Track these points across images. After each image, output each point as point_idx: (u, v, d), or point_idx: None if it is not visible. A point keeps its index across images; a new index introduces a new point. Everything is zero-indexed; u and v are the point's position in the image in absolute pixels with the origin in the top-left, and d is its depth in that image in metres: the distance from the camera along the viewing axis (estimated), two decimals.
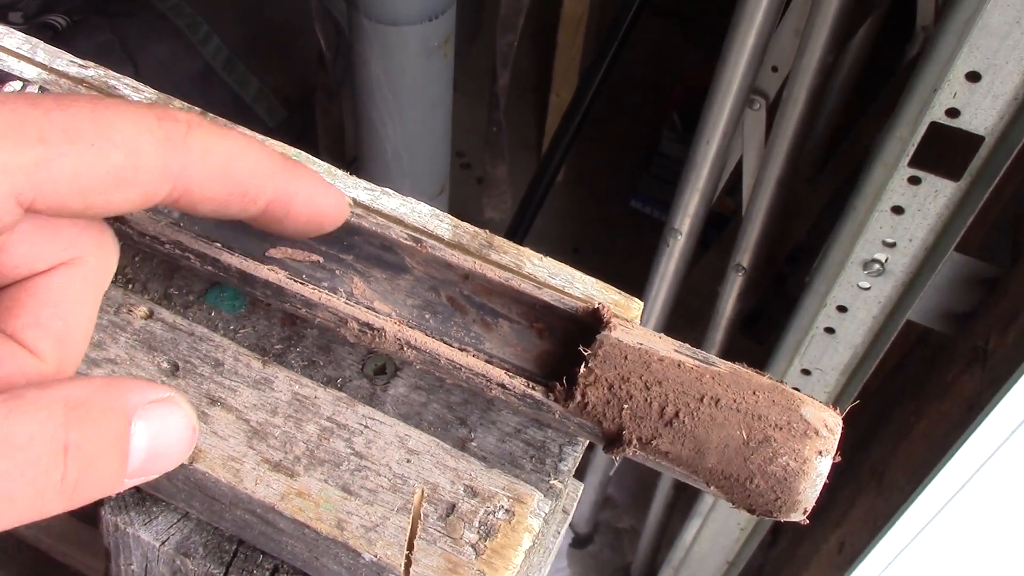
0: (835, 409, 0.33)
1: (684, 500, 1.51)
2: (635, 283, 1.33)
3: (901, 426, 1.04)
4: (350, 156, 1.53)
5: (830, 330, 0.92)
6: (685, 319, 1.44)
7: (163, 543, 0.39)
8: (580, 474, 1.72)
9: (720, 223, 1.77)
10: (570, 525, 1.81)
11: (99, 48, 1.54)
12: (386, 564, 0.33)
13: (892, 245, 0.82)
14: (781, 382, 0.34)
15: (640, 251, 1.44)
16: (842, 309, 0.90)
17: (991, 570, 0.92)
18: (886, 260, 0.83)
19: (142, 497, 0.39)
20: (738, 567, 1.28)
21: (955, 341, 0.96)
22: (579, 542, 1.82)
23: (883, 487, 1.01)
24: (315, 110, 1.50)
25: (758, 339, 1.44)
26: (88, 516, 0.40)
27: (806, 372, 0.98)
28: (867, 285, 0.86)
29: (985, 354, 0.85)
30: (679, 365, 0.33)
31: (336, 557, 0.35)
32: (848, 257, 0.85)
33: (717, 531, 1.24)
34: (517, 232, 1.51)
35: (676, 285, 1.27)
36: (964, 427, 0.81)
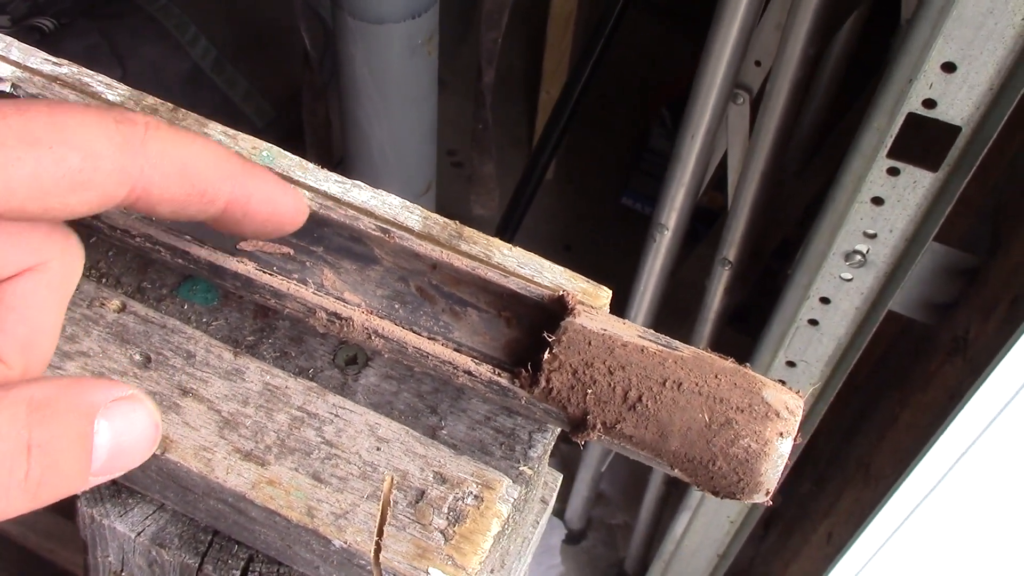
0: (796, 392, 0.34)
1: (676, 495, 1.52)
2: (628, 280, 1.33)
3: (886, 417, 1.04)
4: (337, 156, 1.53)
5: (814, 322, 0.93)
6: (676, 314, 1.45)
7: (139, 534, 0.39)
8: (572, 470, 1.72)
9: (711, 219, 1.77)
10: (563, 521, 1.82)
11: (87, 51, 1.54)
12: (356, 550, 0.34)
13: (873, 236, 0.83)
14: (744, 365, 0.34)
15: (633, 248, 1.45)
16: (825, 301, 0.90)
17: (976, 556, 0.93)
18: (867, 251, 0.84)
19: (118, 489, 0.40)
20: (728, 559, 1.29)
21: (937, 331, 0.96)
22: (573, 538, 1.83)
23: (870, 477, 1.02)
24: (302, 109, 1.51)
25: (748, 333, 1.45)
26: (72, 512, 0.40)
27: (791, 364, 0.98)
28: (849, 276, 0.87)
29: (966, 344, 0.85)
30: (642, 350, 0.33)
31: (307, 545, 0.35)
32: (830, 249, 0.85)
33: (706, 524, 1.25)
34: (507, 230, 1.51)
35: (663, 280, 1.28)
36: (946, 416, 0.82)
